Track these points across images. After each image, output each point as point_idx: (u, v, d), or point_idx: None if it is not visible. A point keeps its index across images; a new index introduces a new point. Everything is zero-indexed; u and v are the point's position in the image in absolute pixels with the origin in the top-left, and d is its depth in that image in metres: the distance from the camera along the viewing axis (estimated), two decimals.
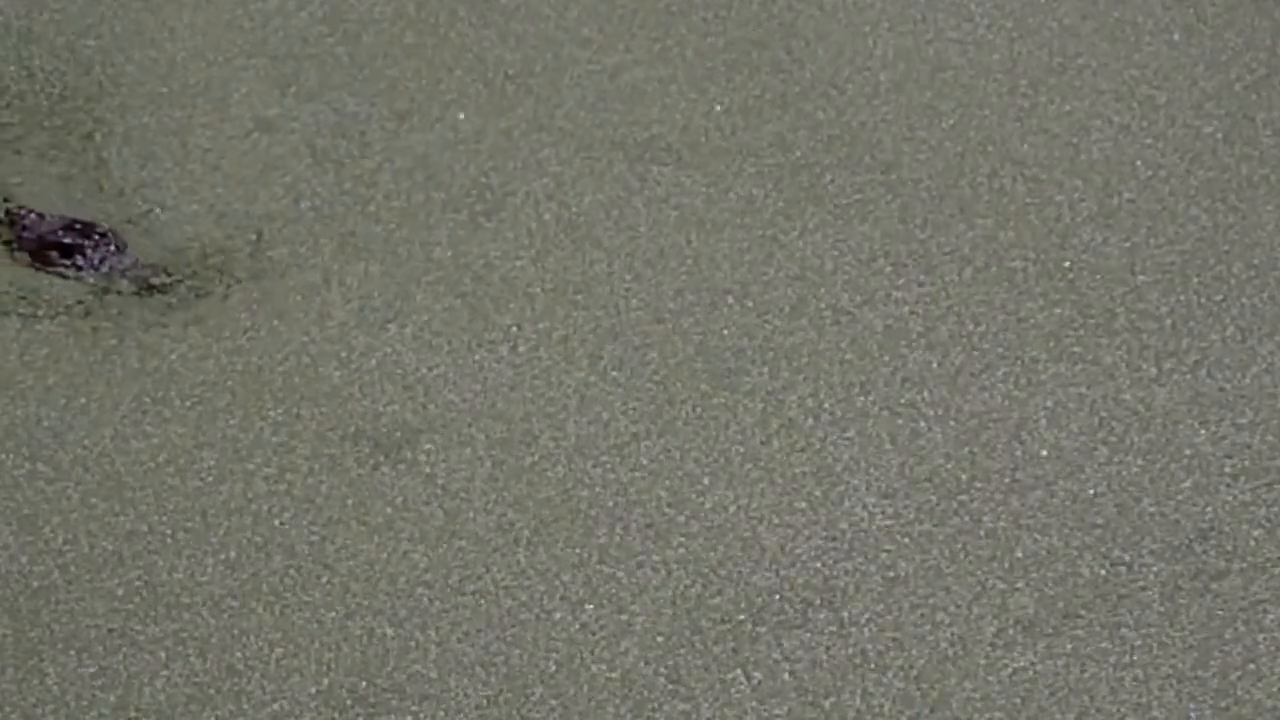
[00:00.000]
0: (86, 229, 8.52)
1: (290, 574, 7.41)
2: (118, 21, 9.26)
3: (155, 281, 8.39)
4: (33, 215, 8.59)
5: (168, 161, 8.73)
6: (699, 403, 7.91)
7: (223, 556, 7.46)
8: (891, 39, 9.22)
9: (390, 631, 7.26)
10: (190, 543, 7.49)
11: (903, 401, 7.91)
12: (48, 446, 7.75)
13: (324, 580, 7.40)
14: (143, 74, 9.09)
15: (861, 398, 7.92)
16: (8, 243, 8.56)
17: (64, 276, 8.43)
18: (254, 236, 8.49)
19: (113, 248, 8.48)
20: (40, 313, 8.27)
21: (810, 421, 7.85)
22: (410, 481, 7.63)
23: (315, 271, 8.34)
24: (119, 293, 8.33)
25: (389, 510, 7.57)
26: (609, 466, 7.69)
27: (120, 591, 7.39)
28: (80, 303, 8.28)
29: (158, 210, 8.60)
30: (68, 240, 8.47)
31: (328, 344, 8.03)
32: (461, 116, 8.80)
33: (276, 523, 7.54)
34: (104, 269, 8.44)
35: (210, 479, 7.65)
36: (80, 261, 8.46)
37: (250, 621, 7.31)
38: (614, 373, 7.99)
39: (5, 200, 8.67)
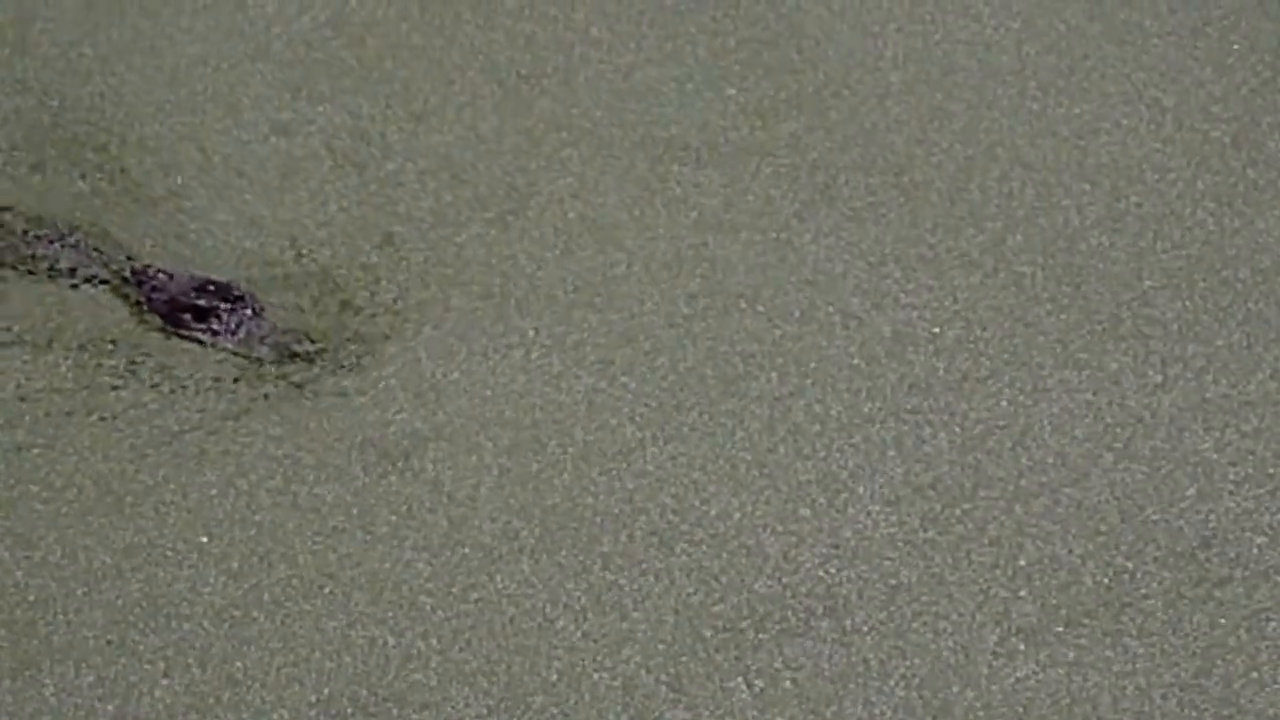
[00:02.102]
0: (221, 290, 8.11)
1: (293, 583, 7.43)
2: (114, 29, 9.27)
3: (298, 349, 8.03)
4: (161, 274, 8.20)
5: (190, 169, 8.74)
6: (706, 409, 7.97)
7: (224, 567, 7.48)
8: (900, 40, 9.29)
9: (391, 640, 7.30)
10: (191, 555, 7.51)
11: (908, 408, 7.97)
12: (42, 467, 7.75)
13: (326, 589, 7.43)
14: (145, 82, 9.08)
15: (868, 404, 7.98)
16: (136, 304, 8.19)
17: (199, 342, 8.06)
18: (288, 243, 8.49)
19: (249, 311, 8.07)
20: (51, 343, 8.19)
21: (816, 428, 7.91)
22: (416, 490, 7.69)
23: (366, 272, 8.38)
24: (259, 360, 8.01)
25: (394, 519, 7.62)
26: (615, 474, 7.76)
27: (119, 603, 7.39)
28: (112, 341, 8.15)
29: (187, 220, 8.57)
30: (202, 302, 8.05)
31: (353, 353, 8.09)
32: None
33: (280, 533, 7.57)
34: (241, 334, 8.02)
35: (213, 493, 7.69)
36: (216, 326, 8.04)
37: (251, 631, 7.32)
38: (623, 378, 8.06)
39: (129, 258, 8.35)
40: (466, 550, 7.52)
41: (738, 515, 7.64)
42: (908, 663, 7.26)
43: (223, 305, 8.05)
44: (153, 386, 7.98)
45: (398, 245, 8.46)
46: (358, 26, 9.29)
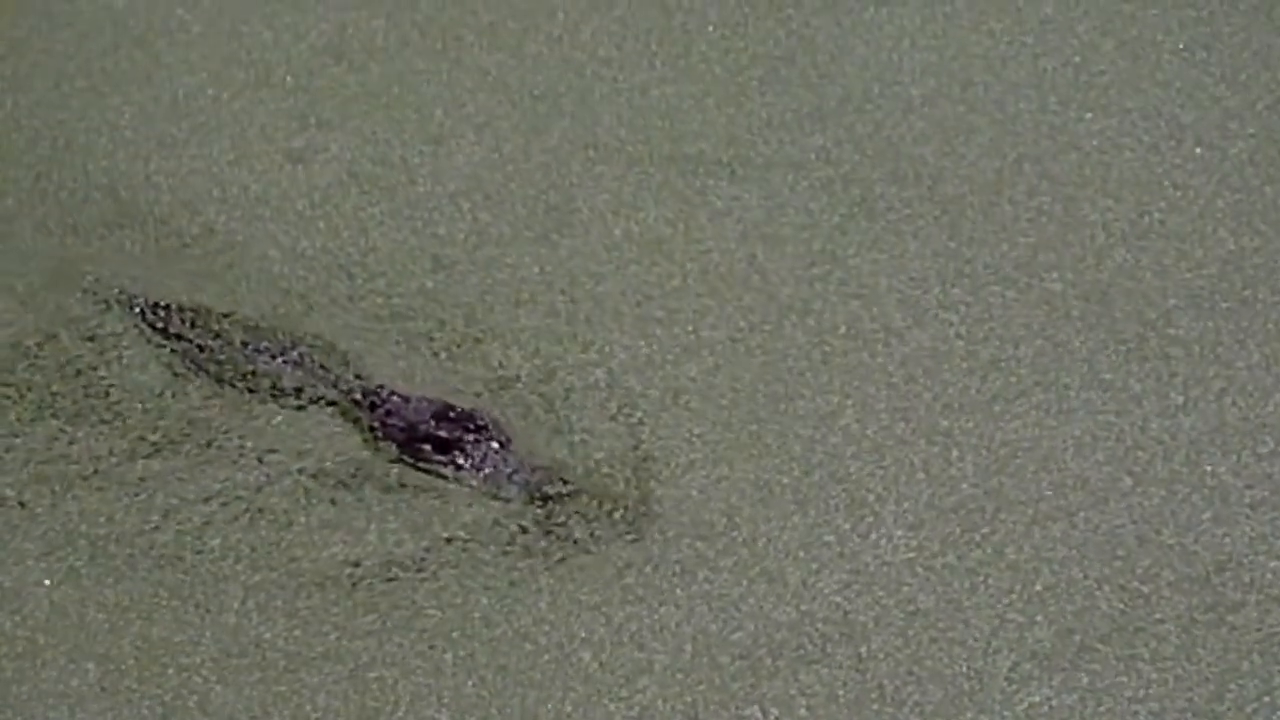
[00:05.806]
0: (463, 418, 7.80)
1: (295, 633, 7.59)
2: (108, 59, 9.58)
3: (550, 490, 7.66)
4: (396, 397, 7.90)
5: (212, 204, 8.93)
6: (753, 430, 8.28)
7: (221, 622, 7.60)
8: (916, 55, 9.79)
9: (402, 681, 7.48)
10: (187, 613, 7.62)
11: (939, 429, 8.31)
12: (34, 530, 7.89)
13: (333, 637, 7.61)
14: (144, 115, 9.39)
15: (901, 424, 8.31)
16: (371, 429, 7.86)
17: (440, 476, 7.74)
18: (345, 275, 8.63)
19: (495, 444, 7.76)
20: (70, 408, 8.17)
21: (851, 450, 8.21)
22: (431, 525, 7.92)
23: (427, 298, 8.62)
24: (507, 500, 7.68)
25: (406, 563, 7.81)
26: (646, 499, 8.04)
27: (113, 653, 7.47)
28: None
29: (235, 258, 8.69)
30: (443, 433, 7.72)
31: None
32: None
33: (281, 593, 7.71)
34: (487, 469, 7.70)
35: (213, 556, 7.83)
36: (460, 460, 7.72)
37: (253, 676, 7.45)
38: (684, 397, 8.35)
39: (359, 377, 8.06)
40: (482, 584, 7.76)
41: (762, 542, 7.90)
42: (922, 689, 7.49)
43: (467, 436, 7.77)
44: (187, 455, 8.04)
45: (448, 268, 8.70)
46: (358, 52, 9.67)
